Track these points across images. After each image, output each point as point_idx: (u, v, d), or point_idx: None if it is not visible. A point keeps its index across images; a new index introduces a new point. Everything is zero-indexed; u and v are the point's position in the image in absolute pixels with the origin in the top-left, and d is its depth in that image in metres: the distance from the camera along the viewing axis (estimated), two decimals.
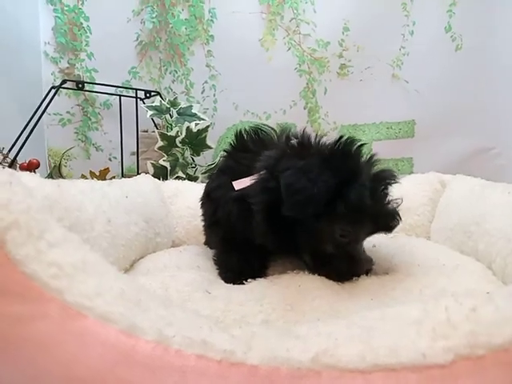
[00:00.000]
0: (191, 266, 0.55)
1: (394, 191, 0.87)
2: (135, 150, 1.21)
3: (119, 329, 0.25)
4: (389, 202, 0.51)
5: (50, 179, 0.46)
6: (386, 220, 0.52)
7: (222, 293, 0.45)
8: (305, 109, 1.45)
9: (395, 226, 0.53)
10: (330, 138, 0.54)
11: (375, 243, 0.61)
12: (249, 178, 0.51)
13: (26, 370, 0.25)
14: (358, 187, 0.46)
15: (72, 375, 0.24)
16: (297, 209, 0.45)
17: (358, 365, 0.23)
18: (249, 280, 0.49)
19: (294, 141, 0.54)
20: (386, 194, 0.52)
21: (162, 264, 0.56)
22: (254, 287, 0.46)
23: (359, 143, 0.51)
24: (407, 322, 0.26)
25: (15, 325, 0.25)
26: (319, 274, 0.49)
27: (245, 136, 0.61)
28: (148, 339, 0.25)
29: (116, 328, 0.25)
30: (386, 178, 0.51)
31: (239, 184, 0.52)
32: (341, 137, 0.51)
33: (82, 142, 1.40)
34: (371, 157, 0.52)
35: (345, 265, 0.49)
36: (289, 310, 0.41)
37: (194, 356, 0.24)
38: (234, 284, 0.50)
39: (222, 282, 0.52)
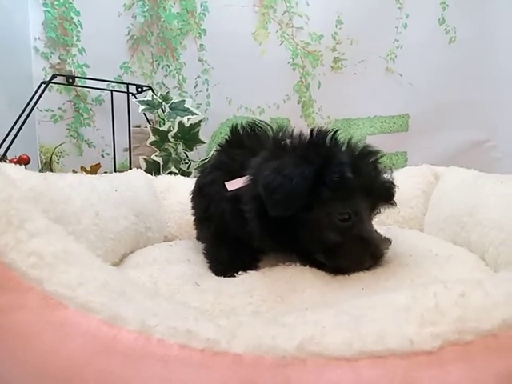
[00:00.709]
0: (181, 259, 0.54)
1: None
2: (127, 145, 1.20)
3: (101, 319, 0.25)
4: (379, 174, 0.51)
5: (37, 172, 0.45)
6: (381, 190, 0.51)
7: (212, 285, 0.44)
8: (298, 103, 1.44)
9: (393, 195, 0.53)
10: None
11: None
12: (242, 179, 0.51)
13: (4, 361, 0.24)
14: (335, 166, 0.46)
15: (51, 367, 0.24)
16: (279, 207, 0.44)
17: (344, 352, 0.22)
18: (239, 273, 0.48)
19: (287, 140, 0.53)
20: (375, 168, 0.51)
21: (151, 258, 0.55)
22: (245, 279, 0.46)
23: (332, 132, 0.51)
24: (395, 309, 0.25)
25: None
26: (335, 269, 0.47)
27: (241, 131, 0.60)
28: (130, 329, 0.24)
29: (97, 318, 0.25)
30: (369, 153, 0.51)
31: (232, 185, 0.52)
32: (311, 130, 0.51)
33: (74, 138, 1.39)
34: (349, 140, 0.51)
35: (359, 249, 0.47)
36: (279, 302, 0.40)
37: (176, 345, 0.23)
38: (224, 277, 0.49)
39: (213, 275, 0.51)
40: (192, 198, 0.66)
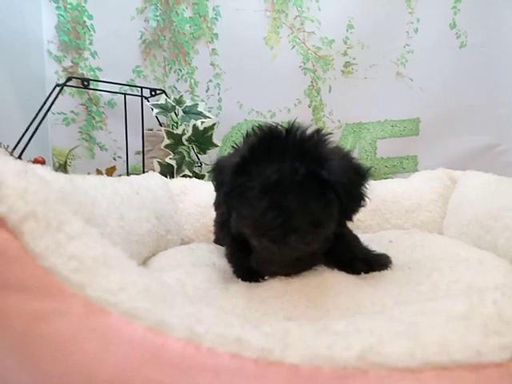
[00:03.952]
0: (206, 263, 0.53)
1: (402, 188, 0.87)
2: (140, 149, 1.19)
3: (146, 326, 0.24)
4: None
5: (62, 173, 0.44)
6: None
7: (241, 290, 0.43)
8: (309, 107, 1.43)
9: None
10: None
11: (391, 238, 0.59)
12: None
13: (47, 370, 0.23)
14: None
15: (96, 375, 0.23)
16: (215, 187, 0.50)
17: (407, 363, 0.21)
18: (266, 277, 0.47)
19: None
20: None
21: (175, 261, 0.54)
22: (274, 284, 0.44)
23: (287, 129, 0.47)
24: (452, 317, 0.24)
25: (35, 322, 0.23)
26: None
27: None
28: (178, 337, 0.23)
29: (142, 325, 0.24)
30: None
31: None
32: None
33: (86, 141, 1.39)
34: (302, 136, 0.46)
35: (260, 261, 0.46)
36: (311, 307, 0.39)
37: (227, 355, 0.22)
38: (250, 282, 0.48)
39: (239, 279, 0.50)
40: (214, 203, 0.65)
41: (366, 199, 0.48)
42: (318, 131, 0.50)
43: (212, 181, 0.51)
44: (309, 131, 0.48)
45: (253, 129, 0.50)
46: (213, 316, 0.26)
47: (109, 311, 0.24)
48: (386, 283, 0.43)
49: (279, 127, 0.48)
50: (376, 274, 0.47)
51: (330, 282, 0.43)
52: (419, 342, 0.22)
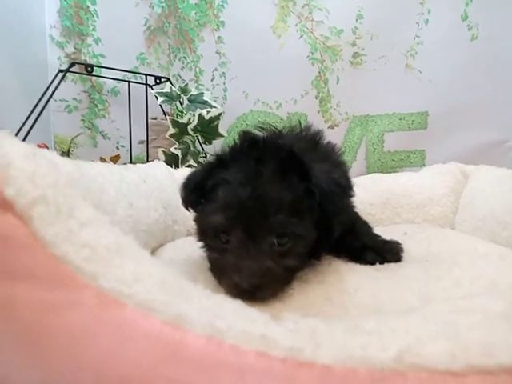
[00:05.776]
0: None
1: (412, 181, 0.85)
2: (143, 138, 1.17)
3: (163, 320, 0.22)
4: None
5: (68, 159, 0.42)
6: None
7: None
8: (316, 98, 1.41)
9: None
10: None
11: (406, 231, 0.58)
12: None
13: (57, 365, 0.21)
14: None
15: (110, 372, 0.21)
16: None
17: (448, 365, 0.19)
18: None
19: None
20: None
21: (184, 254, 0.52)
22: None
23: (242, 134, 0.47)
24: (491, 316, 0.23)
25: (44, 314, 0.22)
26: None
27: None
28: (198, 332, 0.21)
29: (159, 319, 0.22)
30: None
31: None
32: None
33: (89, 129, 1.36)
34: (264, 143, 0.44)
35: (221, 273, 0.41)
36: (329, 305, 0.38)
37: (253, 353, 0.21)
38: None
39: None
40: None
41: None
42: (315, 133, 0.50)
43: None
44: (298, 134, 0.49)
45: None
46: (232, 311, 0.25)
47: (124, 303, 0.22)
48: (404, 277, 0.41)
49: (257, 137, 0.46)
50: (392, 265, 0.45)
51: (348, 278, 0.41)
52: (460, 343, 0.20)
